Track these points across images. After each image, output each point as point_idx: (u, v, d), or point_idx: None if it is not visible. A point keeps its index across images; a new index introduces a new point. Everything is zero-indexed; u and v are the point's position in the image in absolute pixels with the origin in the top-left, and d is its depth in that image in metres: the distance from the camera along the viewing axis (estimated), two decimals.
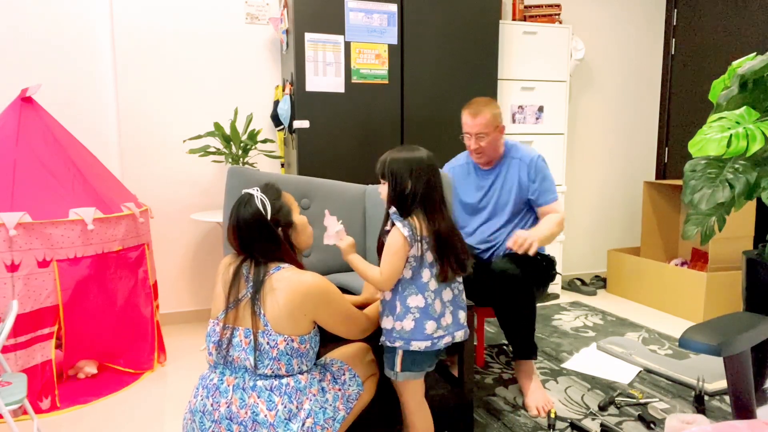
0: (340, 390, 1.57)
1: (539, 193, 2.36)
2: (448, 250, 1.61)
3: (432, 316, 1.61)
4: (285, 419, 1.41)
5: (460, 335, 1.68)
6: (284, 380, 1.45)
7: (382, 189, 1.66)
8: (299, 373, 1.48)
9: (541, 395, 2.24)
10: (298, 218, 1.59)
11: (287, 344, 1.44)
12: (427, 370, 1.70)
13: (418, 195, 1.59)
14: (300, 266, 1.56)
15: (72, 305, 2.28)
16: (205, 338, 1.61)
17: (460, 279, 1.71)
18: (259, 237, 1.50)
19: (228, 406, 1.42)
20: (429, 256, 1.61)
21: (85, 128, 3.02)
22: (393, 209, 1.63)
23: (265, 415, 1.40)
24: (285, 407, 1.42)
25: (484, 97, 2.39)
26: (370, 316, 1.71)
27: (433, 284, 1.62)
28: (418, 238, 1.58)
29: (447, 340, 1.64)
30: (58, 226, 2.20)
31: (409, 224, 1.59)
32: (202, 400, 1.46)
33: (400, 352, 1.64)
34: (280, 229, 1.53)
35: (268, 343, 1.43)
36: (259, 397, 1.42)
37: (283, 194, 1.58)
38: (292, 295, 1.45)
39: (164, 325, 3.22)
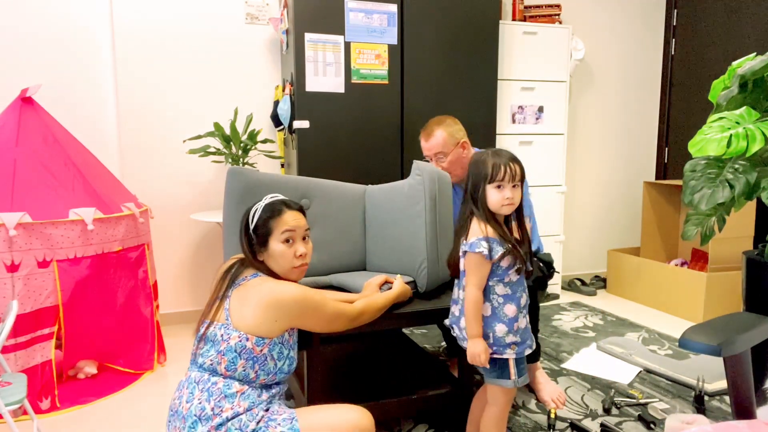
0: (265, 424, 1.40)
1: None
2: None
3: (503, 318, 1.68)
4: (195, 417, 1.36)
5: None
6: (213, 378, 1.41)
7: (515, 193, 1.59)
8: (239, 380, 1.42)
9: (553, 387, 2.29)
10: (276, 245, 1.52)
11: (239, 341, 1.41)
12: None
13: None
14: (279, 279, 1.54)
15: (72, 305, 2.28)
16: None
17: None
18: (241, 239, 1.56)
19: (176, 399, 1.44)
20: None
21: (85, 128, 3.02)
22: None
23: (182, 407, 1.39)
24: (200, 404, 1.38)
25: (441, 115, 2.35)
26: (365, 302, 1.70)
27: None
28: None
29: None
30: (58, 226, 2.20)
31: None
32: (175, 391, 1.51)
33: (511, 360, 1.61)
34: (252, 243, 1.54)
35: (222, 336, 1.42)
36: (187, 388, 1.42)
37: (280, 217, 1.53)
38: (261, 301, 1.43)
39: (164, 325, 3.22)
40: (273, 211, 1.54)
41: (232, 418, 1.37)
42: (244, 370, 1.42)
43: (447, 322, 1.76)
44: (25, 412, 2.15)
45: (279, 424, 1.40)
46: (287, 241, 1.53)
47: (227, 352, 1.41)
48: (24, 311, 2.14)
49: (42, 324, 2.20)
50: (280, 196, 1.60)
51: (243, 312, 1.43)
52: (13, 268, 2.11)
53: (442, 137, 2.25)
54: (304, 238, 1.58)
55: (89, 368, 2.53)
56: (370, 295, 1.84)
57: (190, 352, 1.54)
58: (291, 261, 1.53)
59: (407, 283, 1.96)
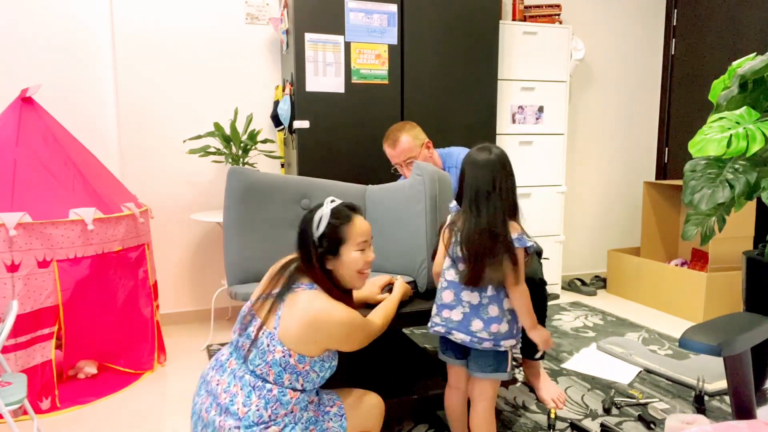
0: (319, 416, 1.50)
1: None
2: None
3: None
4: (253, 422, 1.39)
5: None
6: (268, 386, 1.43)
7: None
8: (289, 389, 1.44)
9: (554, 387, 2.30)
10: (351, 253, 1.50)
11: (283, 356, 1.42)
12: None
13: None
14: (336, 294, 1.50)
15: (72, 305, 2.28)
16: (238, 315, 1.62)
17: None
18: (302, 247, 1.51)
19: (217, 384, 1.46)
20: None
21: (85, 128, 3.02)
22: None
23: (238, 408, 1.41)
24: (258, 410, 1.40)
25: (398, 122, 2.41)
26: (382, 316, 1.69)
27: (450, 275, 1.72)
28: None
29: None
30: (58, 226, 2.20)
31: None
32: (208, 369, 1.53)
33: (510, 353, 1.69)
34: (321, 252, 1.48)
35: (268, 346, 1.42)
36: (242, 389, 1.43)
37: (353, 223, 1.51)
38: (305, 320, 1.41)
39: (164, 325, 3.22)
40: (343, 217, 1.50)
41: (288, 423, 1.43)
42: (290, 383, 1.44)
43: (440, 329, 1.69)
44: (25, 412, 2.15)
45: (331, 419, 1.51)
46: (362, 250, 1.51)
47: (273, 365, 1.42)
48: (24, 311, 2.14)
49: (42, 324, 2.20)
50: (340, 201, 1.55)
51: (289, 324, 1.42)
52: (13, 268, 2.12)
53: (408, 142, 2.30)
54: (370, 244, 1.58)
55: (89, 368, 2.53)
56: (370, 296, 1.85)
57: (233, 340, 1.52)
58: (361, 267, 1.53)
59: (407, 283, 1.96)
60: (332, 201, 1.54)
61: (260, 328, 1.44)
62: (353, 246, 1.50)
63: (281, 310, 1.44)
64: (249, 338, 1.46)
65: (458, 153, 2.43)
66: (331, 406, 1.54)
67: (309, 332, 1.41)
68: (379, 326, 1.64)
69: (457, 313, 1.66)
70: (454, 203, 1.71)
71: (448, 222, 1.71)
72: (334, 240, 1.49)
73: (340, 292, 1.53)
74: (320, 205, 1.53)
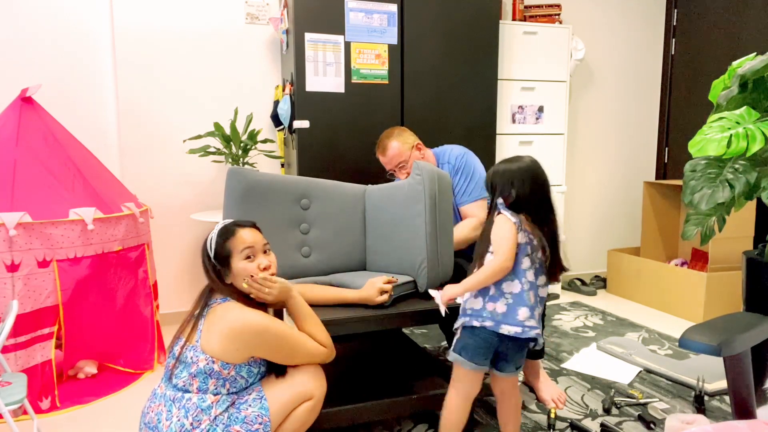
0: (235, 408, 1.52)
1: (457, 193, 2.35)
2: (557, 252, 1.66)
3: (526, 302, 1.60)
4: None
5: (541, 340, 1.66)
6: (187, 395, 1.48)
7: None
8: (212, 394, 1.49)
9: (554, 387, 2.30)
10: (238, 263, 1.57)
11: (207, 364, 1.47)
12: (482, 367, 1.66)
13: (524, 202, 1.64)
14: (248, 303, 1.57)
15: (72, 305, 2.28)
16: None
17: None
18: (205, 269, 1.60)
19: (151, 412, 1.51)
20: (529, 249, 1.63)
21: (85, 128, 3.02)
22: (501, 201, 1.66)
23: (162, 425, 1.46)
24: (179, 420, 1.45)
25: (387, 129, 2.44)
26: (318, 345, 1.67)
27: (531, 275, 1.63)
28: (522, 228, 1.62)
29: (537, 332, 1.61)
30: (58, 226, 2.20)
31: (515, 214, 1.64)
32: (147, 402, 1.57)
33: (459, 330, 1.67)
34: (217, 269, 1.58)
35: (191, 358, 1.48)
36: (164, 406, 1.48)
37: (235, 236, 1.59)
38: (223, 330, 1.48)
39: (164, 325, 3.22)
40: (227, 233, 1.59)
41: (212, 425, 1.46)
42: (216, 388, 1.50)
43: (489, 323, 1.61)
44: (25, 412, 2.15)
45: (250, 405, 1.52)
46: (248, 257, 1.58)
47: (198, 374, 1.48)
48: (24, 311, 2.14)
49: (42, 324, 2.20)
50: (232, 221, 1.65)
51: (210, 337, 1.49)
52: (13, 268, 2.12)
53: (397, 147, 2.34)
54: (265, 252, 1.63)
55: (89, 368, 2.53)
56: (368, 297, 1.85)
57: (165, 365, 1.58)
58: (253, 274, 1.58)
59: (406, 282, 1.96)
60: (223, 222, 1.64)
61: (184, 345, 1.51)
62: (239, 256, 1.57)
63: (202, 324, 1.52)
64: (173, 357, 1.52)
65: (449, 150, 2.44)
66: (250, 394, 1.55)
67: (228, 341, 1.48)
68: (324, 352, 1.65)
69: (501, 305, 1.62)
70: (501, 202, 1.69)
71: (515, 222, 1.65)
72: (222, 256, 1.58)
73: (253, 302, 1.59)
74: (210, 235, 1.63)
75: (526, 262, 1.63)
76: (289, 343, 1.57)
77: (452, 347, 1.70)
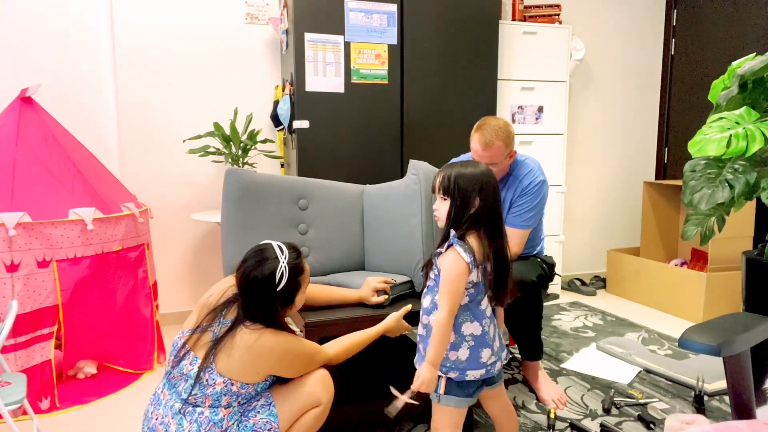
0: (244, 416, 1.50)
1: (510, 209, 2.26)
2: (505, 275, 1.53)
3: (488, 343, 1.53)
4: None
5: (504, 356, 1.61)
6: (199, 409, 1.45)
7: (441, 206, 1.53)
8: (224, 407, 1.47)
9: (554, 388, 2.30)
10: (301, 298, 1.57)
11: (225, 386, 1.45)
12: (471, 399, 1.57)
13: (483, 214, 1.49)
14: (282, 328, 1.53)
15: (72, 305, 2.28)
16: (171, 345, 1.59)
17: None
18: (256, 299, 1.48)
19: (156, 419, 1.48)
20: (485, 286, 1.51)
21: (85, 128, 3.02)
22: (454, 233, 1.51)
23: None
24: None
25: (496, 119, 2.19)
26: (342, 348, 1.68)
27: (489, 310, 1.54)
28: (477, 263, 1.48)
29: (498, 366, 1.57)
30: (57, 226, 2.20)
31: (468, 248, 1.48)
32: (148, 405, 1.54)
33: (444, 378, 1.53)
34: (282, 305, 1.51)
35: (207, 380, 1.44)
36: (173, 418, 1.45)
37: (304, 272, 1.55)
38: (248, 355, 1.44)
39: (164, 325, 3.22)
40: (299, 270, 1.52)
41: None
42: (228, 403, 1.48)
43: (480, 372, 1.53)
44: (24, 412, 2.15)
45: (258, 412, 1.50)
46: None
47: (213, 394, 1.45)
48: (24, 311, 2.14)
49: (42, 324, 2.20)
50: (286, 246, 1.54)
51: (230, 362, 1.44)
52: (12, 268, 2.12)
53: (500, 151, 2.15)
54: None
55: (89, 368, 2.53)
56: (365, 297, 1.87)
57: (166, 370, 1.54)
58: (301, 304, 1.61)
59: (404, 282, 1.96)
60: (280, 249, 1.51)
61: (202, 366, 1.44)
62: (305, 289, 1.58)
63: (222, 347, 1.44)
64: (181, 371, 1.46)
65: (528, 170, 2.27)
66: (258, 400, 1.53)
67: (251, 367, 1.45)
68: (330, 356, 1.65)
69: (464, 351, 1.54)
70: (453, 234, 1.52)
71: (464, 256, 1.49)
72: (292, 291, 1.52)
73: (286, 327, 1.55)
74: (266, 256, 1.49)
75: (484, 302, 1.53)
76: (308, 360, 1.57)
77: (431, 395, 1.57)
